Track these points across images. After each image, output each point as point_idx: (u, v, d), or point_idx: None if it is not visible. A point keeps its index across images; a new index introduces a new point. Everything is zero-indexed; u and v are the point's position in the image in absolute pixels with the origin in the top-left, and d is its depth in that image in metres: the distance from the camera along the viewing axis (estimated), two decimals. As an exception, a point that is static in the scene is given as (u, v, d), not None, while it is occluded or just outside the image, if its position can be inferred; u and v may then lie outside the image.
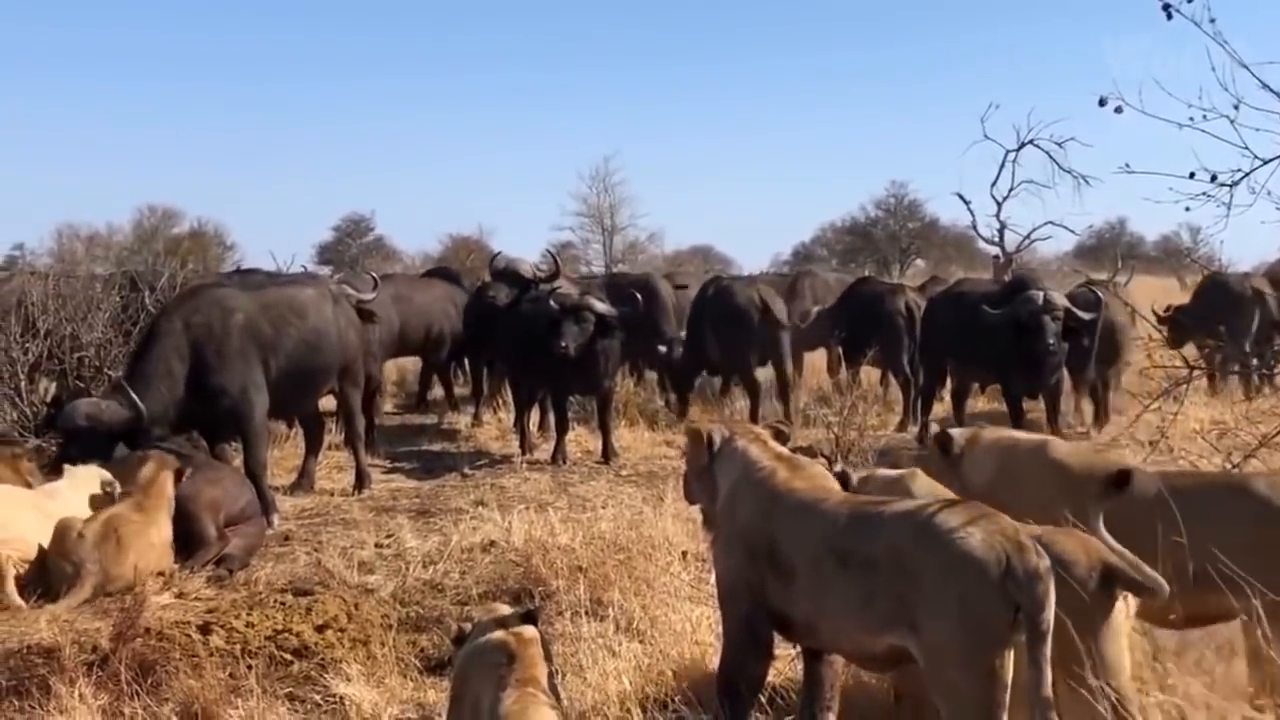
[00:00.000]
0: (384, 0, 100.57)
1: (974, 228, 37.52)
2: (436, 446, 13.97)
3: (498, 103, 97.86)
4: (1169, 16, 5.96)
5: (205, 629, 6.79)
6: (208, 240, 56.30)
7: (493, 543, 8.87)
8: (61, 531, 7.98)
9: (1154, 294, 19.77)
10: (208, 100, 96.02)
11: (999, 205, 35.97)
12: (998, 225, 36.24)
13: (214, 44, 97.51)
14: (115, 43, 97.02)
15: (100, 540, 7.94)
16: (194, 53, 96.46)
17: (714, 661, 5.47)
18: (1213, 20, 5.89)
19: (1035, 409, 13.55)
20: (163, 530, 8.34)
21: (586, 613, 6.96)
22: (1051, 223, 36.28)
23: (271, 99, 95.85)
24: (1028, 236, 36.82)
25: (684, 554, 8.05)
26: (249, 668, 6.27)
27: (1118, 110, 6.14)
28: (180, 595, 7.95)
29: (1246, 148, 5.99)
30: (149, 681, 6.03)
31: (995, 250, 35.84)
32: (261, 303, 10.53)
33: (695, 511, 6.08)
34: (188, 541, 8.54)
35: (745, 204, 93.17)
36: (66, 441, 9.30)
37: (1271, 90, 5.85)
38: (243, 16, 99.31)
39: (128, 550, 8.00)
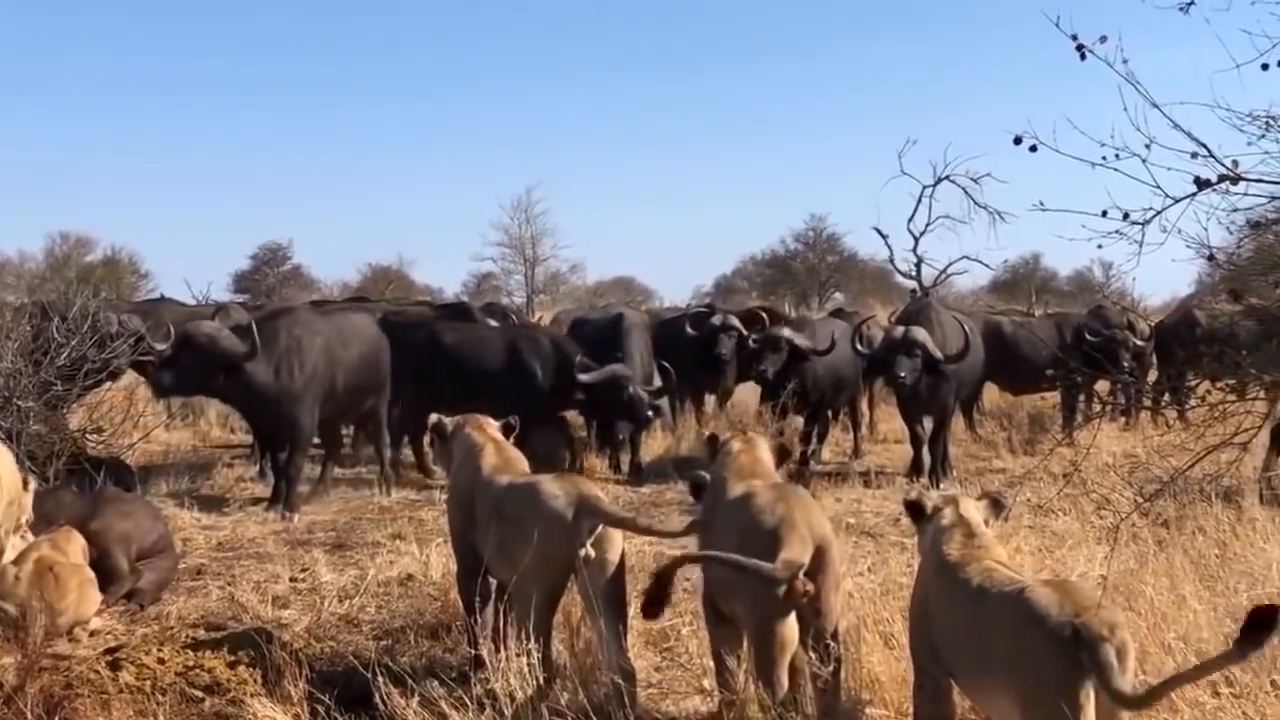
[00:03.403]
0: (299, 29, 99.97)
1: (892, 262, 38.15)
2: (352, 478, 13.80)
3: (417, 131, 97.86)
4: (1082, 57, 6.05)
5: (115, 665, 6.68)
6: (121, 268, 55.80)
7: (410, 576, 8.77)
8: None
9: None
10: (121, 126, 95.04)
11: (916, 240, 36.60)
12: (915, 260, 36.81)
13: (127, 69, 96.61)
14: (26, 66, 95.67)
15: (37, 579, 7.73)
16: (107, 77, 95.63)
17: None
18: (1125, 61, 5.99)
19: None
20: (87, 568, 8.16)
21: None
22: (967, 257, 37.03)
23: (187, 125, 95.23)
24: (944, 271, 37.46)
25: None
26: (159, 705, 6.15)
27: (1032, 149, 6.21)
28: (91, 631, 7.79)
29: (1158, 186, 6.07)
30: (56, 719, 5.91)
31: (912, 284, 36.33)
32: (335, 325, 12.72)
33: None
34: (99, 576, 8.37)
35: (667, 236, 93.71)
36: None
37: (1182, 130, 5.94)
38: (154, 42, 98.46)
39: (67, 587, 7.79)
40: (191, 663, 6.75)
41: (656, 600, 5.52)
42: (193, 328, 11.92)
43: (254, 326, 11.81)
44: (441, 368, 13.56)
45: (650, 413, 13.85)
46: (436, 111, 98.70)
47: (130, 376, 16.52)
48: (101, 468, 10.78)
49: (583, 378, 13.10)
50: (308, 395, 11.99)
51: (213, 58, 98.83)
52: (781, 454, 6.56)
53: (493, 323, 16.13)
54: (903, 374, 13.06)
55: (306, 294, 47.78)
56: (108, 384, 13.34)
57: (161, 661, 6.75)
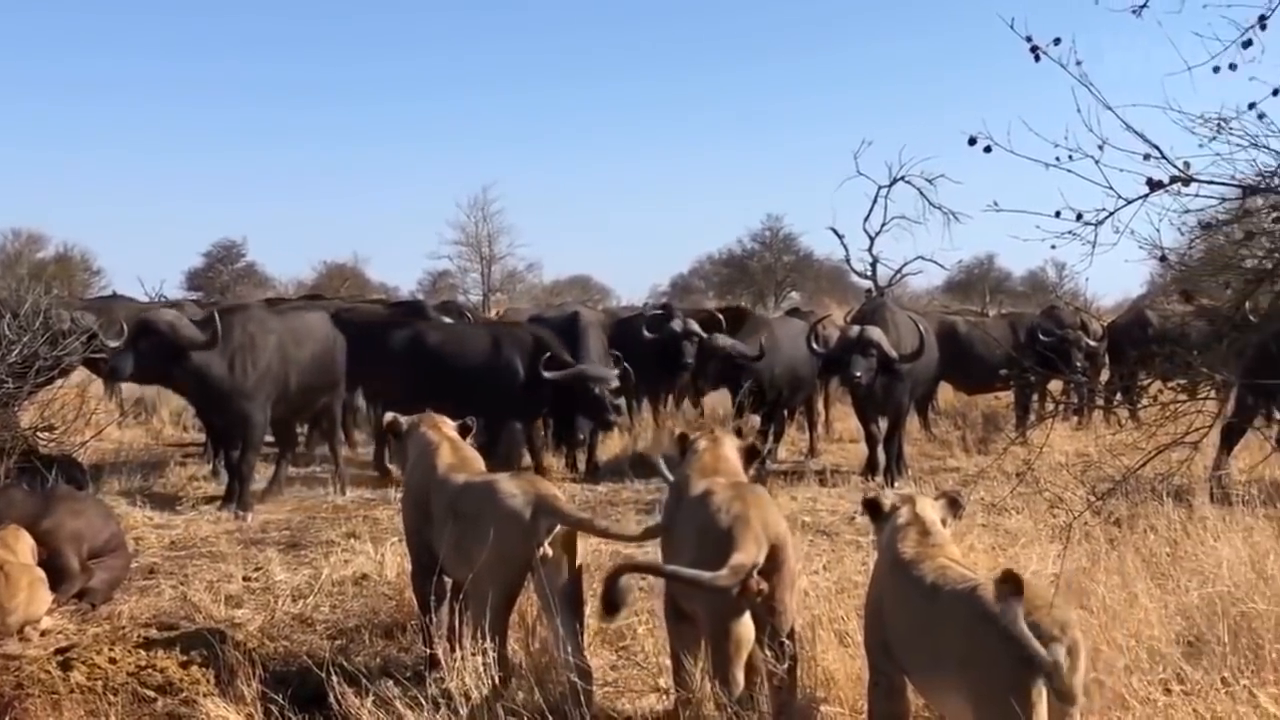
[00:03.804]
0: (254, 26, 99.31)
1: (847, 261, 38.46)
2: (307, 476, 13.74)
3: (373, 129, 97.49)
4: (1037, 58, 6.10)
5: (66, 665, 6.63)
6: (74, 265, 55.28)
7: (365, 576, 8.74)
8: None
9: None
10: (74, 122, 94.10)
11: (871, 240, 36.87)
12: (870, 259, 37.08)
13: (79, 64, 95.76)
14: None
15: None
16: (57, 73, 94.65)
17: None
18: (1079, 62, 6.04)
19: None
20: (37, 567, 8.08)
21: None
22: (922, 258, 37.41)
23: (139, 121, 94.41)
24: (899, 271, 37.74)
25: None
26: (111, 705, 6.10)
27: (987, 150, 6.25)
28: (42, 631, 7.72)
29: (1111, 187, 6.12)
30: (7, 719, 5.85)
31: (868, 284, 36.58)
32: (288, 324, 12.64)
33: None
34: (50, 575, 8.29)
35: (624, 235, 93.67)
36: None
37: (1135, 131, 5.99)
38: (106, 38, 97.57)
39: (17, 586, 7.71)
40: (144, 662, 6.71)
41: (610, 602, 5.51)
42: (153, 314, 11.93)
43: (216, 315, 11.79)
44: (425, 366, 13.47)
45: (614, 415, 13.79)
46: (393, 110, 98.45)
47: (82, 374, 16.41)
48: (53, 466, 10.68)
49: (548, 375, 13.03)
50: (260, 393, 11.93)
51: (166, 54, 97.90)
52: (751, 454, 6.56)
53: (448, 320, 16.09)
54: (858, 373, 13.10)
55: (261, 291, 47.56)
56: (59, 381, 13.24)
57: (113, 661, 6.71)
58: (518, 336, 13.91)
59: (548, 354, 13.15)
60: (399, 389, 13.33)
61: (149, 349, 11.43)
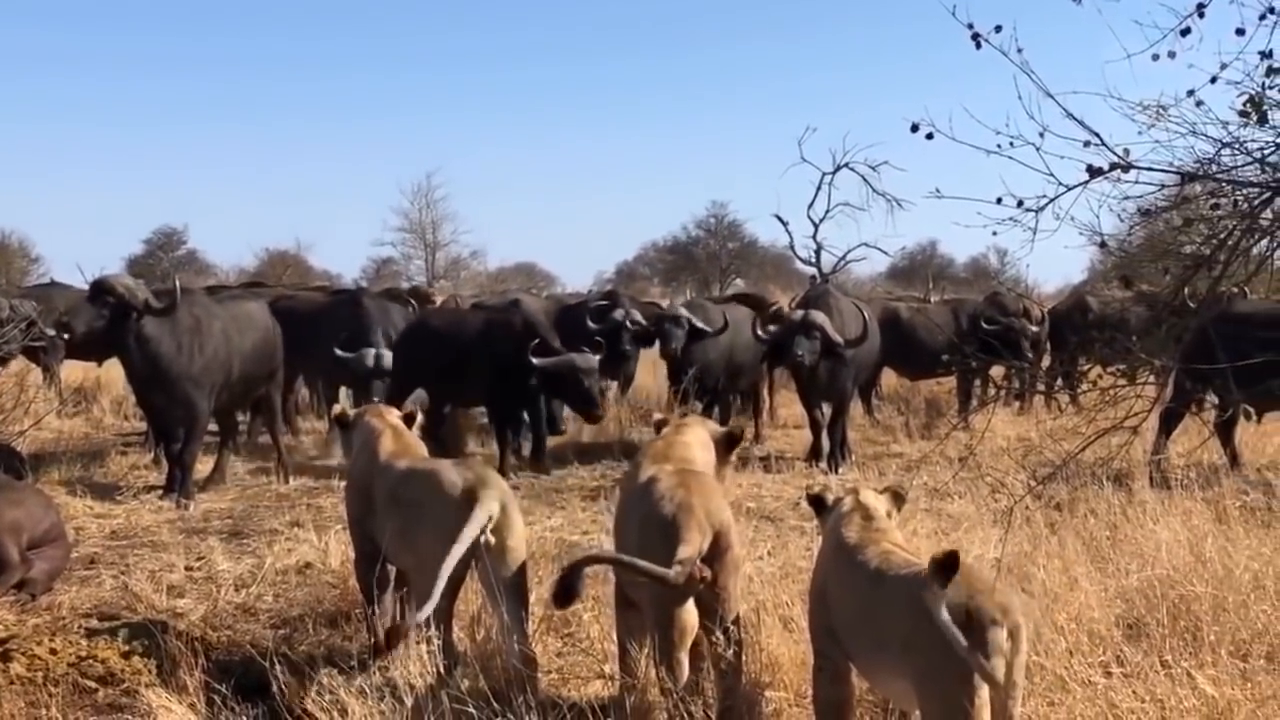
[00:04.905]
0: (192, 1, 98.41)
1: (792, 248, 38.54)
2: (250, 465, 13.65)
3: (316, 113, 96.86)
4: (978, 46, 6.13)
5: (5, 656, 6.57)
6: (12, 252, 54.56)
7: (308, 564, 8.69)
8: None
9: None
10: (7, 103, 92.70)
11: (815, 227, 36.98)
12: (814, 246, 37.23)
13: (11, 43, 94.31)
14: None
15: None
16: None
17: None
18: (1020, 50, 6.07)
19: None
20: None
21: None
22: (866, 244, 37.56)
23: (78, 103, 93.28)
24: (843, 257, 37.94)
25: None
26: (51, 696, 6.05)
27: (929, 136, 6.28)
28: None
29: (1051, 174, 6.16)
30: (-55, 712, 5.80)
31: (812, 270, 36.75)
32: (231, 313, 12.55)
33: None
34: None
35: (569, 222, 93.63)
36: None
37: (1075, 119, 6.04)
38: (39, 14, 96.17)
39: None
40: (84, 653, 6.66)
41: (564, 593, 5.48)
42: (111, 276, 11.76)
43: (177, 283, 11.85)
44: (429, 355, 13.48)
45: (600, 409, 13.68)
46: (336, 92, 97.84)
47: (21, 362, 16.23)
48: (-10, 455, 10.59)
49: (538, 363, 12.88)
50: (206, 380, 11.81)
51: (107, 29, 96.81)
52: (729, 441, 6.52)
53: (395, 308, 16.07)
54: (800, 353, 13.15)
55: (202, 279, 47.07)
56: (-2, 370, 13.12)
57: (54, 652, 6.65)
58: (509, 324, 13.83)
59: (537, 340, 13.03)
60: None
61: (104, 309, 11.26)
